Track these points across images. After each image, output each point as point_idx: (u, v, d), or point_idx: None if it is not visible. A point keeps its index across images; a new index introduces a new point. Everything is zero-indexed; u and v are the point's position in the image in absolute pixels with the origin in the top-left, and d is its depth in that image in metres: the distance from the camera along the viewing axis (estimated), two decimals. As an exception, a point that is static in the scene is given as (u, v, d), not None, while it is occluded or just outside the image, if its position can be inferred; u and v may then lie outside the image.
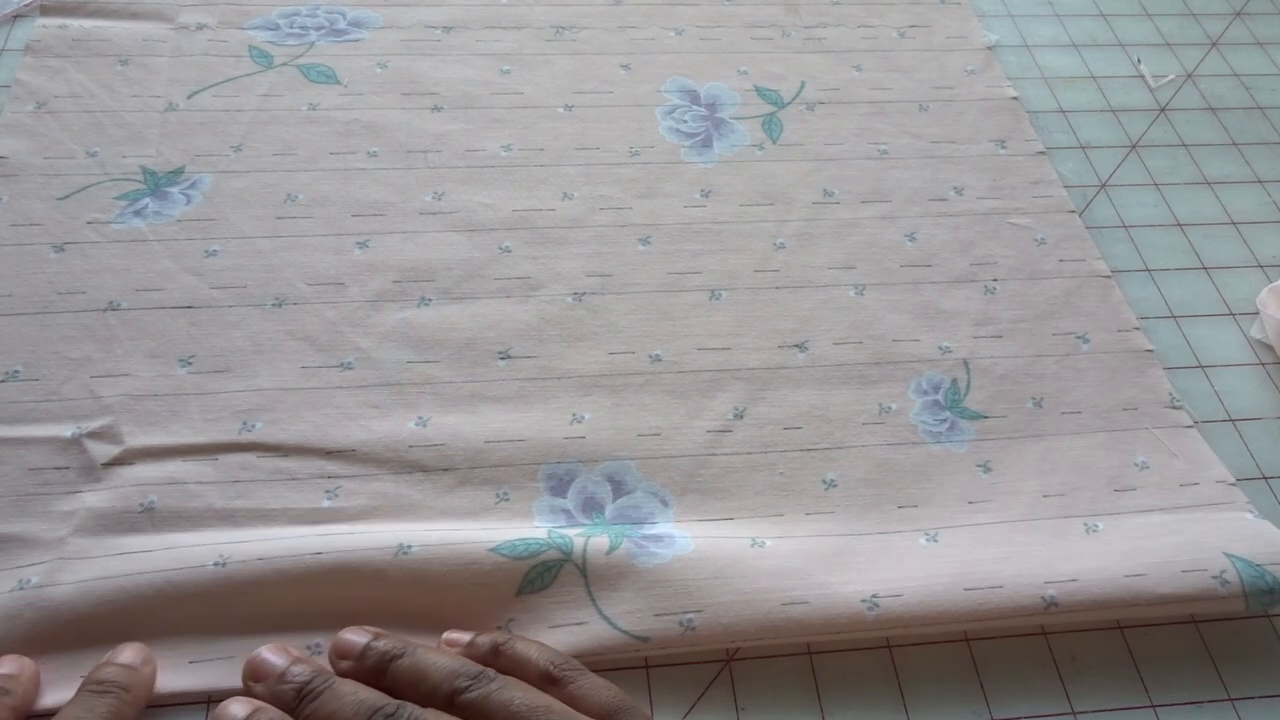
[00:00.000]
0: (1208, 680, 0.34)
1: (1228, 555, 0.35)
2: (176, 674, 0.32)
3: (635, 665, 0.33)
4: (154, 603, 0.32)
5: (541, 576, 0.34)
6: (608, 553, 0.34)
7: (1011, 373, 0.41)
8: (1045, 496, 0.38)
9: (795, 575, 0.34)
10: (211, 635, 0.32)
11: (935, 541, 0.36)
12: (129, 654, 0.31)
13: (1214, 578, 0.34)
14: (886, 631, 0.33)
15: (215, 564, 0.33)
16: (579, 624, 0.33)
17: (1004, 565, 0.35)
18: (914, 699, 0.33)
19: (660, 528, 0.36)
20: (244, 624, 0.32)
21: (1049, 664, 0.34)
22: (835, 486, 0.38)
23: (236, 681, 0.31)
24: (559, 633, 0.33)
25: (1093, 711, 0.33)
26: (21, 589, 0.32)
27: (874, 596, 0.33)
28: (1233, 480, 0.38)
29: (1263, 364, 0.43)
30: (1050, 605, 0.34)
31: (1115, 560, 0.35)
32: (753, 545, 0.35)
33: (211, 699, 0.32)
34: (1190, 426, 0.40)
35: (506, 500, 0.36)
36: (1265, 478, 0.40)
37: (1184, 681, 0.34)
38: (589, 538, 0.35)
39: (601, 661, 0.32)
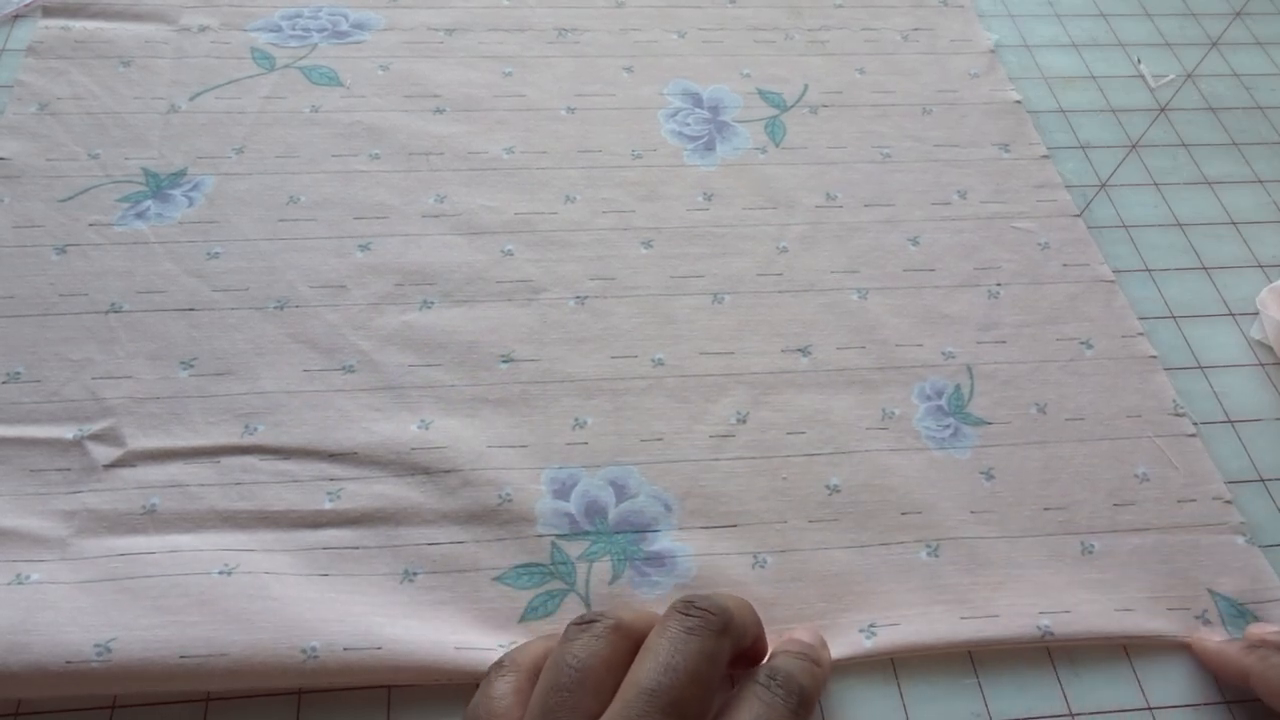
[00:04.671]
0: (1205, 683, 0.34)
1: (1211, 593, 0.36)
2: (170, 670, 0.31)
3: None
4: (156, 604, 0.32)
5: (545, 604, 0.34)
6: (610, 583, 0.35)
7: (1015, 378, 0.41)
8: (1046, 509, 0.38)
9: (794, 604, 0.34)
10: (209, 635, 0.32)
11: (936, 556, 0.36)
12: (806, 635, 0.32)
13: (1196, 617, 0.35)
14: (883, 657, 0.34)
15: (220, 572, 0.33)
16: None
17: (1000, 592, 0.35)
18: (913, 699, 0.33)
19: (662, 543, 0.36)
20: (242, 624, 0.32)
21: (1047, 665, 0.34)
22: (838, 492, 0.38)
23: (231, 679, 0.31)
24: None
25: (1091, 713, 0.33)
26: (21, 584, 0.32)
27: (871, 626, 0.34)
28: (1228, 498, 0.38)
29: (1262, 364, 0.43)
30: (1046, 634, 0.34)
31: (1107, 592, 0.36)
32: (754, 565, 0.35)
33: (210, 697, 0.32)
34: (1192, 435, 0.40)
35: (509, 501, 0.36)
36: (1264, 479, 0.40)
37: (1181, 684, 0.34)
38: (591, 563, 0.35)
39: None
